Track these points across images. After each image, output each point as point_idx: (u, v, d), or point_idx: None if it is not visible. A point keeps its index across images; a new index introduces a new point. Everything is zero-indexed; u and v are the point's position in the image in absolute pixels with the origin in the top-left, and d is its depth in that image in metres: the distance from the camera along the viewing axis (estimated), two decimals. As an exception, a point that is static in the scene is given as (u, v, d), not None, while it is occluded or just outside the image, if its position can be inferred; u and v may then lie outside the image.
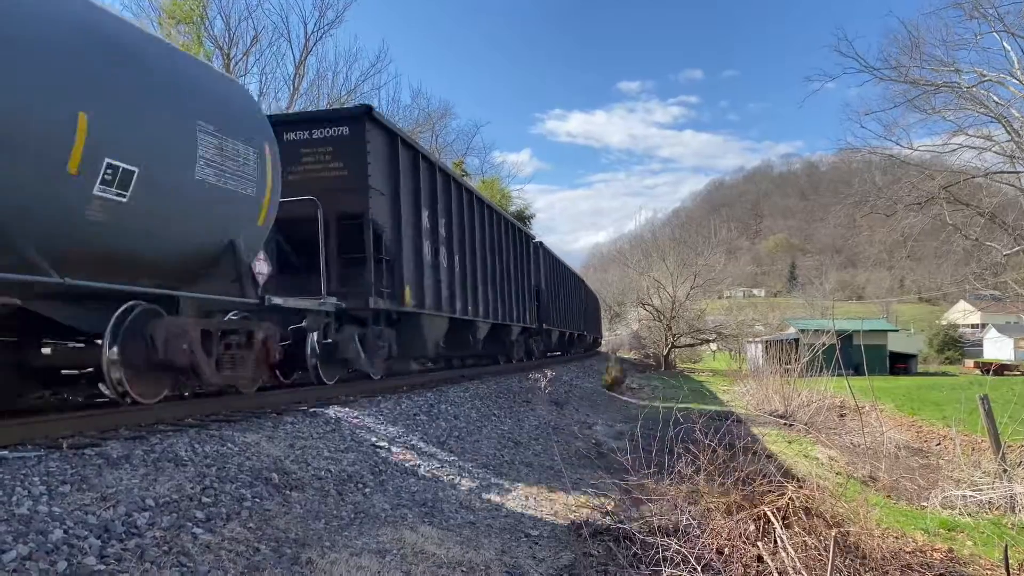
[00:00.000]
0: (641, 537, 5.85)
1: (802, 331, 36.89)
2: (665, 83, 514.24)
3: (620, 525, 6.13)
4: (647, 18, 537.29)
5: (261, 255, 8.81)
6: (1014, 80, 25.30)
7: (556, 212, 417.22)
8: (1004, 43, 25.44)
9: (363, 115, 10.60)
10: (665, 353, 49.98)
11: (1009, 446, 12.12)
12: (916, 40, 27.02)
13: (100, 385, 6.93)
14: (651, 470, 6.96)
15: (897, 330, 61.01)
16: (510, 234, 19.98)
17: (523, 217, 42.13)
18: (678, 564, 5.03)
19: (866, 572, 5.79)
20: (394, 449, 7.98)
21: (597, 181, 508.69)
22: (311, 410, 8.33)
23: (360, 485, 6.56)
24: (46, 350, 7.11)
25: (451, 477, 7.82)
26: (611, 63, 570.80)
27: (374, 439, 8.02)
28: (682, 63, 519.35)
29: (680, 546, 5.30)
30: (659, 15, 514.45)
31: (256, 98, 8.78)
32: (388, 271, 10.84)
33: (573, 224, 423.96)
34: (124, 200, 5.92)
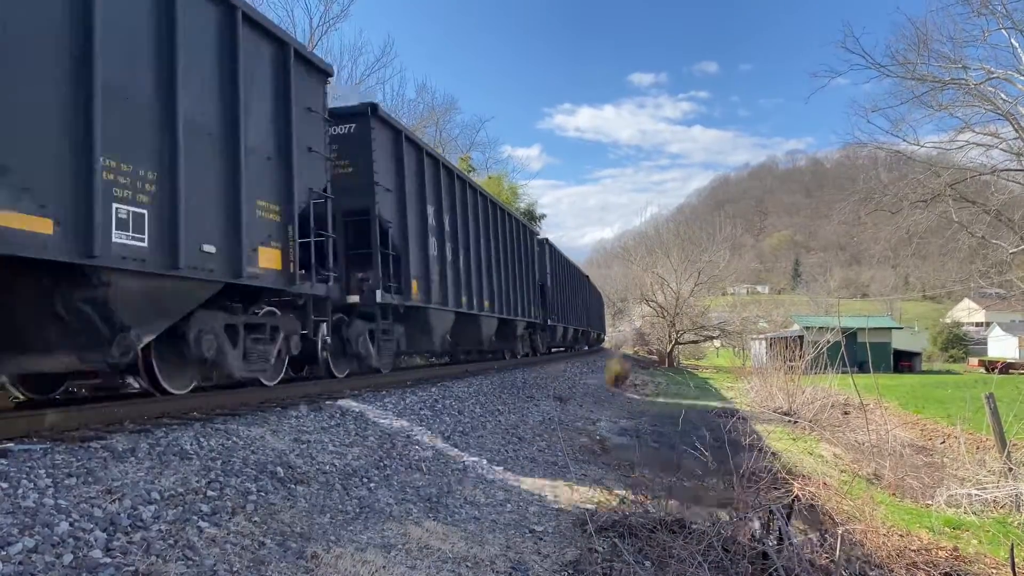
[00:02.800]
0: (647, 533, 5.84)
1: (807, 328, 36.84)
2: (679, 76, 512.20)
3: (626, 521, 6.12)
4: (662, 8, 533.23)
5: None
6: (1022, 77, 25.18)
7: (563, 207, 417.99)
8: (1012, 40, 25.30)
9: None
10: (668, 350, 49.95)
11: (1014, 444, 12.10)
12: (923, 36, 26.89)
13: None
14: (657, 467, 6.95)
15: (901, 328, 60.94)
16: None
17: (532, 216, 41.94)
18: (684, 560, 5.01)
19: (872, 570, 5.78)
20: (398, 443, 7.97)
21: (605, 176, 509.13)
22: (315, 403, 8.35)
23: (365, 479, 6.56)
24: None
25: (456, 472, 7.82)
26: (623, 55, 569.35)
27: (379, 433, 8.01)
28: (698, 55, 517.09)
29: (686, 542, 5.29)
30: (675, 5, 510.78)
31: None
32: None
33: (580, 220, 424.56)
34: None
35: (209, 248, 6.78)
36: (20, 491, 4.08)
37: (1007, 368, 43.01)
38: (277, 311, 8.78)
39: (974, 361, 60.05)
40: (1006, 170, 27.05)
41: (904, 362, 49.33)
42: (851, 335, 34.39)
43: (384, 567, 4.58)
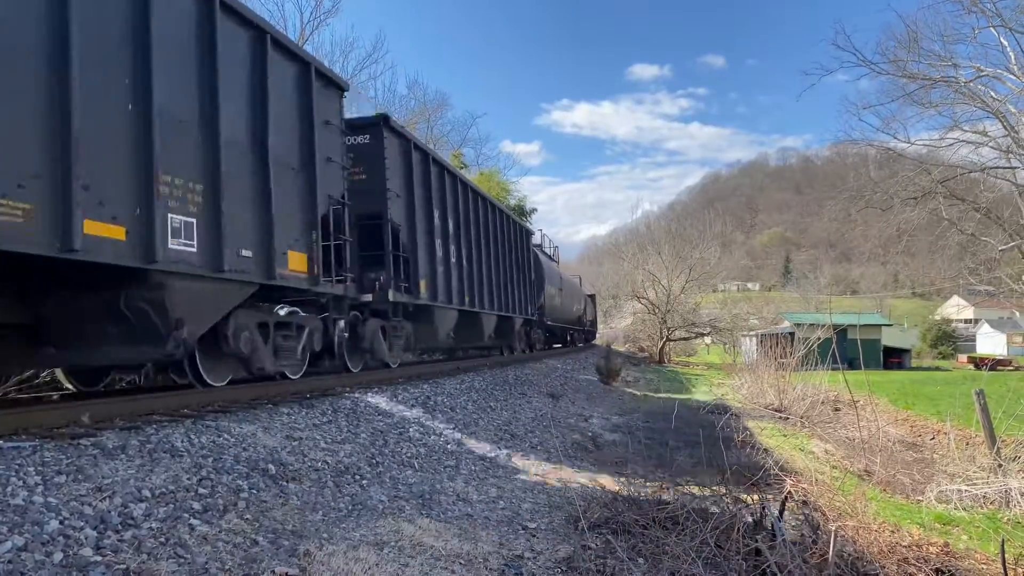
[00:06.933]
0: (640, 529, 5.84)
1: (797, 325, 36.98)
2: (683, 69, 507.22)
3: (619, 517, 6.11)
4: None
5: None
6: (1011, 75, 25.26)
7: (558, 204, 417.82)
8: (1002, 38, 25.38)
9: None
10: (660, 346, 50.02)
11: (1003, 440, 12.16)
12: (914, 34, 26.93)
13: None
14: (649, 463, 6.95)
15: (891, 324, 61.27)
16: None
17: (523, 211, 41.86)
18: (677, 557, 5.01)
19: (864, 566, 5.79)
20: (391, 440, 7.95)
21: (601, 173, 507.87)
22: (307, 400, 8.32)
23: (357, 477, 6.54)
24: None
25: (448, 469, 7.80)
26: (625, 47, 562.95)
27: (371, 431, 7.99)
28: (704, 48, 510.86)
29: (679, 539, 5.29)
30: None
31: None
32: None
33: (575, 217, 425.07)
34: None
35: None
36: (9, 489, 4.05)
37: (996, 364, 43.26)
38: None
39: (963, 358, 60.41)
40: (995, 168, 27.18)
41: (894, 359, 49.54)
42: (841, 332, 34.54)
43: (377, 564, 4.56)
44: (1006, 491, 9.86)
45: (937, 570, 6.29)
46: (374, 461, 7.14)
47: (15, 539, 3.56)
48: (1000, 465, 10.88)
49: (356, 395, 9.34)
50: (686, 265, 52.29)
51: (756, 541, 5.35)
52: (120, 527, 4.07)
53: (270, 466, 5.87)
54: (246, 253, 7.36)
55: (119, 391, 8.48)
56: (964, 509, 9.51)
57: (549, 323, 27.32)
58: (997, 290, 36.34)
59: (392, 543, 5.03)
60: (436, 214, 13.72)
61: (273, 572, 4.11)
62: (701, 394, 24.51)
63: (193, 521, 4.47)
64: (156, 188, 6.11)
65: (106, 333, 6.53)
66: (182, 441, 5.65)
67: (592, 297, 44.72)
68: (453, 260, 14.68)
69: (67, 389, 8.13)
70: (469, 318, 16.02)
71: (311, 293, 9.00)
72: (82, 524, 3.93)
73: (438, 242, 13.67)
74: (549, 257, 30.61)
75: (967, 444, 13.73)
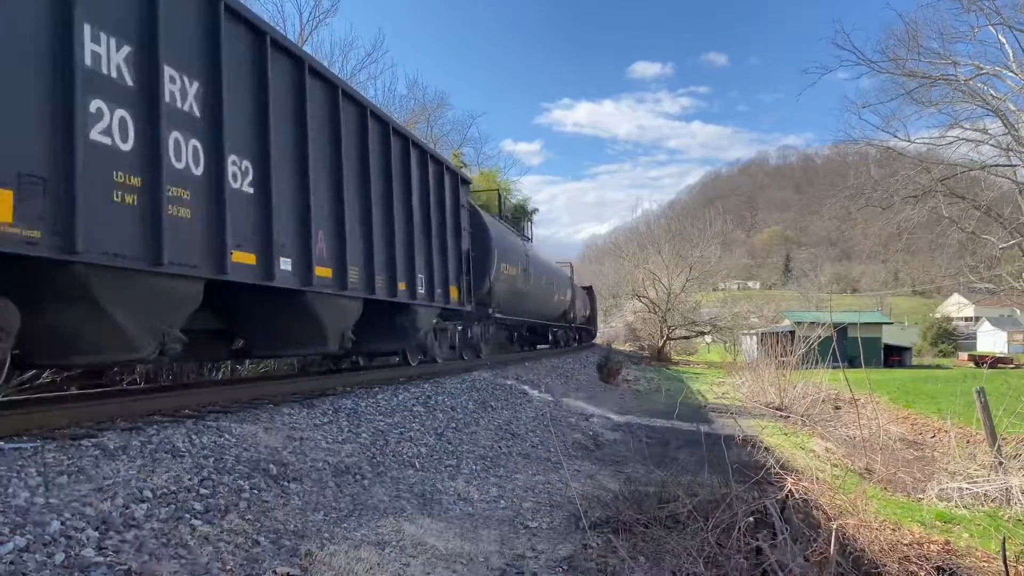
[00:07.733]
0: (641, 528, 5.85)
1: (797, 323, 36.95)
2: (685, 67, 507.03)
3: (619, 517, 6.12)
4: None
5: None
6: (1010, 73, 25.28)
7: (559, 204, 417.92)
8: (1000, 36, 25.42)
9: None
10: (660, 345, 50.01)
11: (1004, 439, 12.16)
12: (913, 32, 27.01)
13: None
14: (650, 462, 6.96)
15: (891, 323, 61.27)
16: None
17: (524, 211, 41.55)
18: (679, 556, 5.02)
19: (865, 564, 5.80)
20: (392, 440, 7.95)
21: (602, 172, 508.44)
22: (307, 400, 8.32)
23: (358, 476, 6.54)
24: None
25: (449, 468, 7.80)
26: (627, 44, 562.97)
27: (372, 430, 7.98)
28: (707, 46, 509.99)
29: (680, 538, 5.30)
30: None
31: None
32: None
33: (576, 216, 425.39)
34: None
35: None
36: (11, 490, 4.05)
37: (996, 362, 43.20)
38: None
39: (964, 356, 60.36)
40: (995, 166, 27.23)
41: (894, 357, 49.50)
42: (842, 330, 34.53)
43: (378, 564, 4.56)
44: (1007, 489, 9.87)
45: (938, 568, 6.30)
46: (375, 460, 7.13)
47: (17, 540, 3.56)
48: (1001, 463, 10.88)
49: (358, 394, 9.25)
50: (686, 264, 52.30)
51: (757, 540, 5.35)
52: (122, 527, 4.07)
53: (271, 466, 5.86)
54: None
55: (120, 391, 8.47)
56: (965, 507, 9.52)
57: (500, 316, 18.96)
58: (998, 288, 36.35)
59: (394, 543, 5.05)
60: (112, 51, 5.59)
61: (275, 572, 4.12)
62: (702, 393, 24.51)
63: (195, 521, 4.47)
64: None
65: None
66: (183, 441, 5.66)
67: (589, 290, 41.95)
68: (195, 169, 6.47)
69: (68, 390, 8.04)
70: (259, 300, 8.17)
71: None
72: (84, 524, 3.93)
73: (118, 113, 5.60)
74: (513, 229, 22.61)
75: (968, 442, 13.74)
